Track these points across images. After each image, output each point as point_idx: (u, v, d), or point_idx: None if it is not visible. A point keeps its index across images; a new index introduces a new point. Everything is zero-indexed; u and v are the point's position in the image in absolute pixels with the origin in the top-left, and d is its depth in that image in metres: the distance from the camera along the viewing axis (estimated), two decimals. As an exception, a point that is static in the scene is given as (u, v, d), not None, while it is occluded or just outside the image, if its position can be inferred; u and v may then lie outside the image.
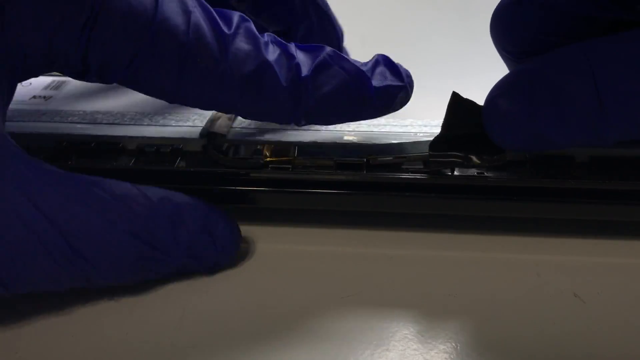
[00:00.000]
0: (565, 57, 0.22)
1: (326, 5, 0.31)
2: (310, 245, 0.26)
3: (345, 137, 0.27)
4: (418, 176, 0.25)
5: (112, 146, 0.27)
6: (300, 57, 0.23)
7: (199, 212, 0.23)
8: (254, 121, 0.28)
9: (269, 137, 0.27)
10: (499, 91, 0.23)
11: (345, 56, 0.24)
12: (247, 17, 0.23)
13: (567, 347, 0.21)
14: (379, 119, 0.29)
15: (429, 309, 0.23)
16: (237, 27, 0.22)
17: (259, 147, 0.26)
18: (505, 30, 0.24)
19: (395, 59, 0.41)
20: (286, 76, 0.22)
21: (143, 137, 0.27)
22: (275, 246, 0.26)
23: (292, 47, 0.23)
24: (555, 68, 0.22)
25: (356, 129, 0.28)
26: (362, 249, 0.26)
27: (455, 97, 0.25)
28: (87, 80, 0.22)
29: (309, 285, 0.24)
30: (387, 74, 0.25)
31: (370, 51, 0.41)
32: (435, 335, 0.22)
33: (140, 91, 0.22)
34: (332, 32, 0.32)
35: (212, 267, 0.24)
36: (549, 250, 0.26)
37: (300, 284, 0.24)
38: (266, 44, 0.23)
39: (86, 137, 0.27)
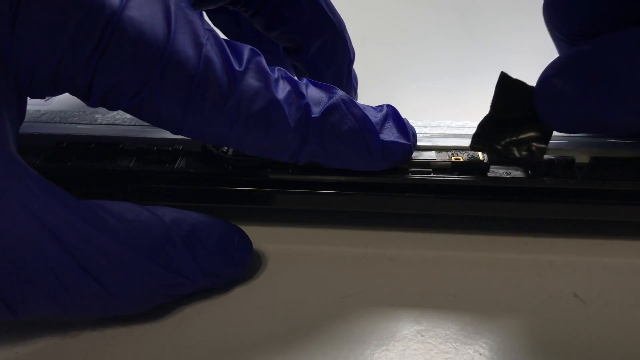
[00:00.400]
0: (623, 41, 0.22)
1: (342, 26, 0.30)
2: (311, 245, 0.26)
3: None
4: (419, 177, 0.25)
5: (112, 147, 0.27)
6: (312, 95, 0.23)
7: (214, 229, 0.22)
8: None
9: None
10: (554, 71, 0.23)
11: (357, 103, 0.24)
12: (258, 51, 0.22)
13: (567, 347, 0.21)
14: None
15: (429, 309, 0.23)
16: (248, 61, 0.22)
17: None
18: (560, 12, 0.24)
19: (395, 58, 0.42)
20: (295, 116, 0.22)
21: (143, 138, 0.27)
22: (275, 246, 0.26)
23: (303, 85, 0.23)
24: (613, 52, 0.22)
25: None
26: (362, 249, 0.26)
27: (504, 77, 0.25)
28: (91, 105, 0.21)
29: (309, 285, 0.24)
30: (395, 130, 0.24)
31: (370, 51, 0.41)
32: (435, 335, 0.22)
33: (143, 120, 0.22)
34: (344, 54, 0.30)
35: (229, 282, 0.24)
36: (549, 250, 0.26)
37: (300, 284, 0.24)
38: (276, 80, 0.22)
39: (86, 137, 0.27)
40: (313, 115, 0.22)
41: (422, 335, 0.22)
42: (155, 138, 0.27)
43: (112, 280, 0.20)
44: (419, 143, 0.26)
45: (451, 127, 0.28)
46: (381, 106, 0.25)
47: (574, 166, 0.25)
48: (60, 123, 0.28)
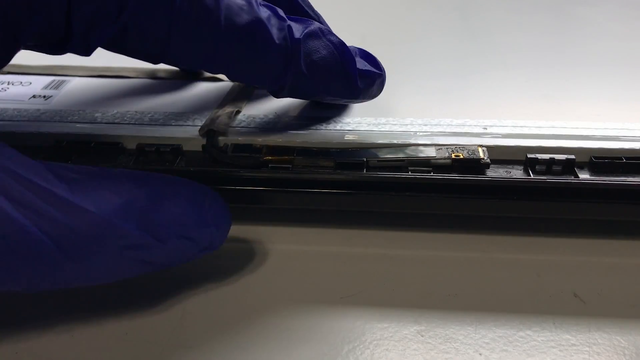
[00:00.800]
0: None
1: (321, 21, 0.30)
2: (310, 245, 0.26)
3: (346, 137, 0.27)
4: (418, 176, 0.25)
5: (112, 146, 0.26)
6: (291, 21, 0.24)
7: (182, 187, 0.21)
8: (253, 121, 0.28)
9: (268, 136, 0.27)
10: None
11: (333, 33, 0.25)
12: None
13: (567, 346, 0.21)
14: (379, 118, 0.29)
15: (429, 309, 0.23)
16: None
17: (258, 146, 0.26)
18: None
19: (395, 57, 0.41)
20: (278, 35, 0.23)
21: (143, 137, 0.27)
22: (274, 246, 0.26)
23: (281, 11, 0.23)
24: None
25: (356, 129, 0.28)
26: (362, 249, 0.26)
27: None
28: (69, 51, 0.20)
29: (308, 285, 0.24)
30: (367, 61, 0.26)
31: (370, 50, 0.41)
32: (435, 335, 0.22)
33: (127, 54, 0.21)
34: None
35: (207, 248, 0.21)
36: (549, 250, 0.26)
37: (300, 284, 0.24)
38: (257, 3, 0.23)
39: (86, 136, 0.27)
40: (295, 36, 0.23)
41: (422, 335, 0.22)
42: (155, 137, 0.27)
43: (70, 242, 0.18)
44: (418, 140, 0.26)
45: (451, 125, 0.28)
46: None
47: (574, 165, 0.25)
48: (59, 122, 0.28)
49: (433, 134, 0.27)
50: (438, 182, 0.25)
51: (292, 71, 0.23)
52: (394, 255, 0.25)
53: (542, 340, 0.21)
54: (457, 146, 0.26)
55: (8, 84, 0.33)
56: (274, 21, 0.23)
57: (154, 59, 0.22)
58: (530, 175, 0.25)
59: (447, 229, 0.27)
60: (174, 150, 0.26)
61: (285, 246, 0.26)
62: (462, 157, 0.25)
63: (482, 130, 0.28)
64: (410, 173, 0.25)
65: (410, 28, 0.47)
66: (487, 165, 0.25)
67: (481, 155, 0.26)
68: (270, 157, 0.26)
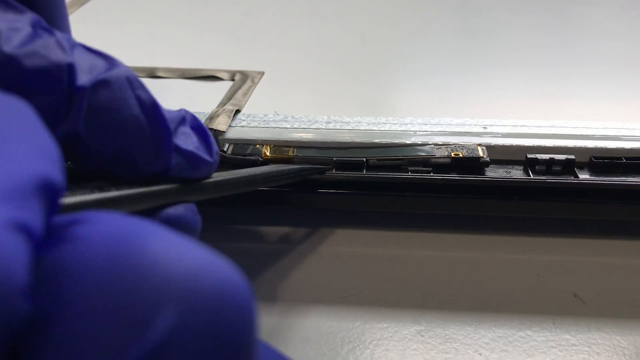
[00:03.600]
0: None
1: None
2: (311, 245, 0.26)
3: (345, 136, 0.27)
4: (418, 176, 0.25)
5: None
6: (80, 57, 0.16)
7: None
8: (253, 120, 0.28)
9: (268, 136, 0.27)
10: None
11: (144, 85, 0.17)
12: None
13: (567, 346, 0.21)
14: (378, 117, 0.29)
15: (429, 309, 0.23)
16: None
17: (258, 145, 0.26)
18: None
19: (395, 56, 0.42)
20: (44, 78, 0.15)
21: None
22: (274, 246, 0.26)
23: (66, 42, 0.16)
24: None
25: (356, 128, 0.28)
26: (362, 249, 0.26)
27: None
28: None
29: (309, 285, 0.24)
30: (195, 138, 0.18)
31: (370, 50, 0.41)
32: (435, 335, 0.22)
33: None
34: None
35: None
36: (549, 250, 0.26)
37: (300, 284, 0.24)
38: (14, 29, 0.15)
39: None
40: (78, 83, 0.15)
41: (422, 335, 0.22)
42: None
43: None
44: (418, 139, 0.26)
45: (451, 124, 0.28)
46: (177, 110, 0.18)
47: (574, 165, 0.25)
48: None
49: (433, 134, 0.27)
50: (437, 182, 0.25)
51: (60, 132, 0.15)
52: (394, 255, 0.25)
53: (542, 340, 0.21)
54: (457, 145, 0.26)
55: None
56: (41, 54, 0.15)
57: None
58: (530, 176, 0.25)
59: (447, 229, 0.27)
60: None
61: (285, 246, 0.26)
62: (461, 155, 0.25)
63: (482, 130, 0.28)
64: (410, 173, 0.25)
65: (410, 27, 0.47)
66: (486, 164, 0.25)
67: (480, 154, 0.26)
68: (270, 156, 0.26)
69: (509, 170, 0.26)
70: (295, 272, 0.25)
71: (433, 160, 0.26)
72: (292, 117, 0.29)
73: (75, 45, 0.16)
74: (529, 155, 0.26)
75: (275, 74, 0.38)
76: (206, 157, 0.18)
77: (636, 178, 0.25)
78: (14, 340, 0.09)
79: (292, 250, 0.26)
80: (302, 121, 0.28)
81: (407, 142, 0.26)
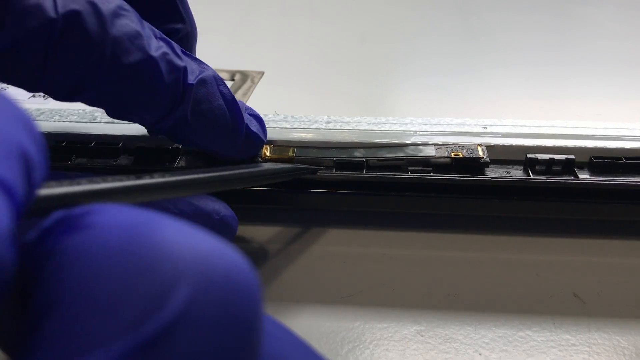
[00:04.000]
0: None
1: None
2: (311, 245, 0.26)
3: (345, 136, 0.27)
4: (418, 176, 0.25)
5: (112, 145, 0.26)
6: (187, 62, 0.21)
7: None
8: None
9: (268, 136, 0.27)
10: None
11: (225, 83, 0.23)
12: (129, 7, 0.20)
13: (567, 346, 0.21)
14: (379, 117, 0.29)
15: (429, 309, 0.23)
16: (119, 10, 0.20)
17: None
18: None
19: (395, 56, 0.42)
20: (169, 76, 0.20)
21: (143, 137, 0.27)
22: (274, 246, 0.26)
23: (179, 49, 0.21)
24: None
25: (356, 128, 0.28)
26: (362, 249, 0.26)
27: None
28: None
29: (309, 285, 0.24)
30: (255, 122, 0.24)
31: (370, 50, 0.41)
32: (435, 335, 0.22)
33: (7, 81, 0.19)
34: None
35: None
36: (549, 250, 0.26)
37: (301, 284, 0.24)
38: (154, 35, 0.20)
39: (86, 136, 0.27)
40: (189, 81, 0.21)
41: (422, 335, 0.22)
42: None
43: None
44: (418, 139, 0.26)
45: (451, 124, 0.28)
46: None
47: (574, 165, 0.25)
48: (59, 122, 0.28)
49: (433, 134, 0.27)
50: (437, 182, 0.25)
51: (175, 116, 0.21)
52: (394, 255, 0.25)
53: (541, 340, 0.21)
54: (457, 145, 0.26)
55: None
56: (168, 59, 0.20)
57: (27, 86, 0.20)
58: (530, 175, 0.25)
59: (447, 229, 0.27)
60: (174, 150, 0.26)
61: (285, 246, 0.26)
62: (461, 156, 0.25)
63: (482, 130, 0.28)
64: (410, 173, 0.25)
65: (410, 27, 0.47)
66: (486, 164, 0.25)
67: (480, 154, 0.26)
68: (270, 156, 0.26)
69: (509, 170, 0.26)
70: (295, 272, 0.25)
71: (433, 160, 0.26)
72: (292, 117, 0.29)
73: (184, 51, 0.21)
74: (529, 155, 0.26)
75: (275, 74, 0.38)
76: (263, 137, 0.25)
77: (636, 178, 0.25)
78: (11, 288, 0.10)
79: (292, 250, 0.26)
80: (302, 121, 0.28)
81: (407, 142, 0.27)
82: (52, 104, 0.30)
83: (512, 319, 0.22)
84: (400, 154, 0.26)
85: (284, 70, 0.39)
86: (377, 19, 0.48)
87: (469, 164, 0.25)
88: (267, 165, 0.23)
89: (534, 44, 0.43)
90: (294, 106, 0.31)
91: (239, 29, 0.46)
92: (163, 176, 0.17)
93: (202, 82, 0.22)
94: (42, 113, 0.29)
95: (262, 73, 0.38)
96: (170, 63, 0.20)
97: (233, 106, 0.23)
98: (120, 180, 0.15)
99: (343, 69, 0.40)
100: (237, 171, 0.21)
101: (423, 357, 0.21)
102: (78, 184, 0.14)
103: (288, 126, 0.28)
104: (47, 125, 0.28)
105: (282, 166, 0.24)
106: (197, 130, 0.22)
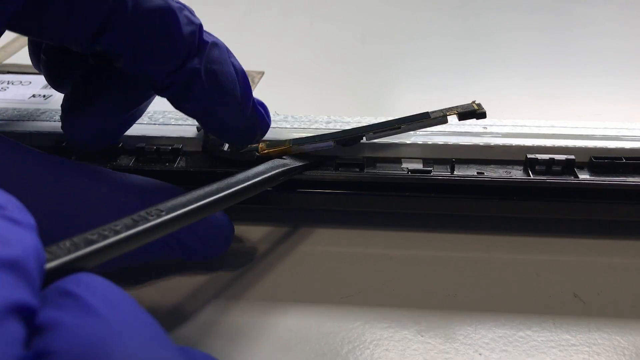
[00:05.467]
0: None
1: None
2: (310, 245, 0.26)
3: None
4: (418, 176, 0.25)
5: (112, 145, 0.26)
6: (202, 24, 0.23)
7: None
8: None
9: (268, 136, 0.27)
10: None
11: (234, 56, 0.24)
12: None
13: (567, 346, 0.21)
14: (379, 117, 0.29)
15: (429, 309, 0.23)
16: None
17: (255, 145, 0.26)
18: None
19: (395, 56, 0.42)
20: (187, 29, 0.21)
21: (143, 137, 0.27)
22: (274, 246, 0.26)
23: (194, 12, 0.23)
24: None
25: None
26: (362, 249, 0.26)
27: None
28: None
29: (308, 285, 0.24)
30: (261, 109, 0.25)
31: (370, 50, 0.41)
32: (435, 335, 0.22)
33: (27, 33, 0.21)
34: None
35: (202, 258, 0.23)
36: (549, 250, 0.26)
37: (300, 284, 0.24)
38: None
39: (86, 136, 0.27)
40: (204, 38, 0.22)
41: (422, 335, 0.22)
42: (155, 137, 0.27)
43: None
44: (418, 139, 0.26)
45: (451, 124, 0.28)
46: None
47: (574, 165, 0.25)
48: (59, 121, 0.28)
49: (433, 134, 0.27)
50: (437, 182, 0.25)
51: (189, 69, 0.22)
52: (394, 255, 0.25)
53: (541, 340, 0.21)
54: (458, 146, 0.26)
55: (8, 83, 0.33)
56: (185, 14, 0.22)
57: (54, 32, 0.21)
58: (530, 176, 0.25)
59: (447, 229, 0.27)
60: (174, 151, 0.26)
61: (286, 246, 0.26)
62: (457, 112, 0.25)
63: (482, 130, 0.28)
64: (409, 173, 0.25)
65: (410, 27, 0.47)
66: (483, 115, 0.24)
67: (475, 107, 0.25)
68: (267, 150, 0.26)
69: (509, 170, 0.26)
70: (295, 272, 0.25)
71: (428, 121, 0.25)
72: (292, 117, 0.29)
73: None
74: (529, 155, 0.26)
75: (275, 74, 0.38)
76: (268, 120, 0.25)
77: (636, 178, 0.25)
78: None
79: (292, 250, 0.26)
80: (302, 121, 0.28)
81: (407, 142, 0.27)
82: (52, 103, 0.30)
83: (512, 319, 0.22)
84: (396, 124, 0.25)
85: (284, 70, 0.39)
86: (377, 19, 0.48)
87: (466, 116, 0.25)
88: (256, 171, 0.23)
89: (534, 44, 0.43)
90: (294, 106, 0.31)
91: (239, 29, 0.46)
92: (159, 215, 0.18)
93: (215, 45, 0.23)
94: (43, 113, 0.29)
95: (262, 73, 0.38)
96: (187, 17, 0.22)
97: (243, 77, 0.23)
98: (114, 233, 0.16)
99: (343, 69, 0.40)
100: (230, 190, 0.21)
101: (423, 357, 0.21)
102: (75, 248, 0.15)
103: (288, 126, 0.28)
104: (47, 125, 0.28)
105: (273, 172, 0.24)
106: (208, 90, 0.22)
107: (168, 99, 0.23)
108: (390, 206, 0.26)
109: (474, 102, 0.25)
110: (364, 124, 0.28)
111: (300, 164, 0.25)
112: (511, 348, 0.21)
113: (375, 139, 0.25)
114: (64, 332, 0.12)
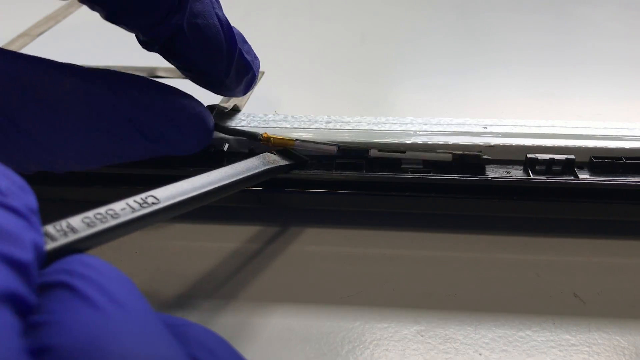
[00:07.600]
0: None
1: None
2: (311, 245, 0.26)
3: (345, 136, 0.27)
4: (418, 176, 0.25)
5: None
6: None
7: (155, 91, 0.22)
8: (253, 120, 0.28)
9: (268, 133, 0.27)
10: None
11: (221, 7, 0.24)
12: None
13: (567, 346, 0.21)
14: (379, 117, 0.29)
15: (429, 309, 0.23)
16: None
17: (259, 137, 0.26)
18: None
19: (395, 56, 0.42)
20: None
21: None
22: (275, 246, 0.26)
23: None
24: None
25: (356, 127, 0.28)
26: (362, 249, 0.26)
27: None
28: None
29: (308, 285, 0.24)
30: (250, 57, 0.26)
31: (370, 50, 0.41)
32: (435, 335, 0.22)
33: None
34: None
35: (183, 152, 0.24)
36: (549, 250, 0.26)
37: (300, 284, 0.24)
38: None
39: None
40: None
41: (422, 335, 0.22)
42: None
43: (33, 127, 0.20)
44: (418, 140, 0.26)
45: (451, 124, 0.28)
46: None
47: (574, 165, 0.25)
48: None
49: (433, 134, 0.27)
50: (438, 182, 0.25)
51: (172, 23, 0.22)
52: (394, 255, 0.25)
53: (541, 340, 0.21)
54: (457, 147, 0.26)
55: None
56: None
57: None
58: (530, 175, 0.25)
59: (447, 229, 0.27)
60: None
61: (285, 246, 0.26)
62: (461, 154, 0.25)
63: (482, 130, 0.28)
64: (410, 173, 0.25)
65: (410, 27, 0.47)
66: (487, 162, 0.25)
67: (479, 154, 0.26)
68: (269, 136, 0.26)
69: (509, 170, 0.26)
70: (296, 272, 0.25)
71: (432, 155, 0.25)
72: (292, 117, 0.29)
73: None
74: (529, 155, 0.26)
75: (275, 73, 0.38)
76: (255, 69, 0.26)
77: (636, 178, 0.25)
78: None
79: (292, 250, 0.26)
80: (302, 121, 0.28)
81: (407, 141, 0.27)
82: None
83: (512, 319, 0.22)
84: (402, 148, 0.26)
85: (284, 70, 0.39)
86: (377, 19, 0.48)
87: (470, 162, 0.25)
88: (248, 165, 0.23)
89: (534, 44, 0.43)
90: (294, 106, 0.31)
91: (239, 29, 0.46)
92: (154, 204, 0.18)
93: None
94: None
95: (262, 73, 0.38)
96: None
97: (228, 29, 0.24)
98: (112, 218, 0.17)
99: (343, 69, 0.40)
100: (226, 182, 0.22)
101: (423, 357, 0.21)
102: (72, 232, 0.15)
103: (288, 126, 0.28)
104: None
105: (270, 166, 0.24)
106: (191, 44, 0.23)
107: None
108: (390, 206, 0.26)
109: (480, 150, 0.26)
110: (364, 124, 0.28)
111: (292, 162, 0.25)
112: (511, 348, 0.21)
113: (378, 155, 0.26)
114: (62, 328, 0.12)
